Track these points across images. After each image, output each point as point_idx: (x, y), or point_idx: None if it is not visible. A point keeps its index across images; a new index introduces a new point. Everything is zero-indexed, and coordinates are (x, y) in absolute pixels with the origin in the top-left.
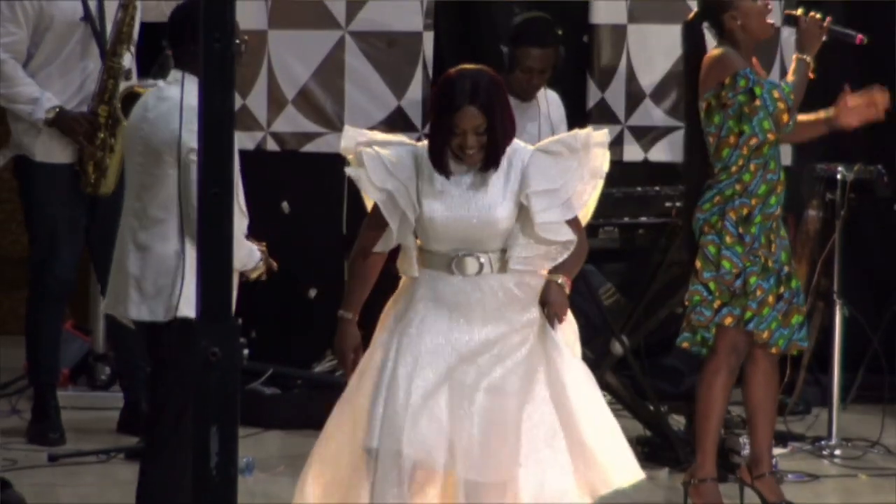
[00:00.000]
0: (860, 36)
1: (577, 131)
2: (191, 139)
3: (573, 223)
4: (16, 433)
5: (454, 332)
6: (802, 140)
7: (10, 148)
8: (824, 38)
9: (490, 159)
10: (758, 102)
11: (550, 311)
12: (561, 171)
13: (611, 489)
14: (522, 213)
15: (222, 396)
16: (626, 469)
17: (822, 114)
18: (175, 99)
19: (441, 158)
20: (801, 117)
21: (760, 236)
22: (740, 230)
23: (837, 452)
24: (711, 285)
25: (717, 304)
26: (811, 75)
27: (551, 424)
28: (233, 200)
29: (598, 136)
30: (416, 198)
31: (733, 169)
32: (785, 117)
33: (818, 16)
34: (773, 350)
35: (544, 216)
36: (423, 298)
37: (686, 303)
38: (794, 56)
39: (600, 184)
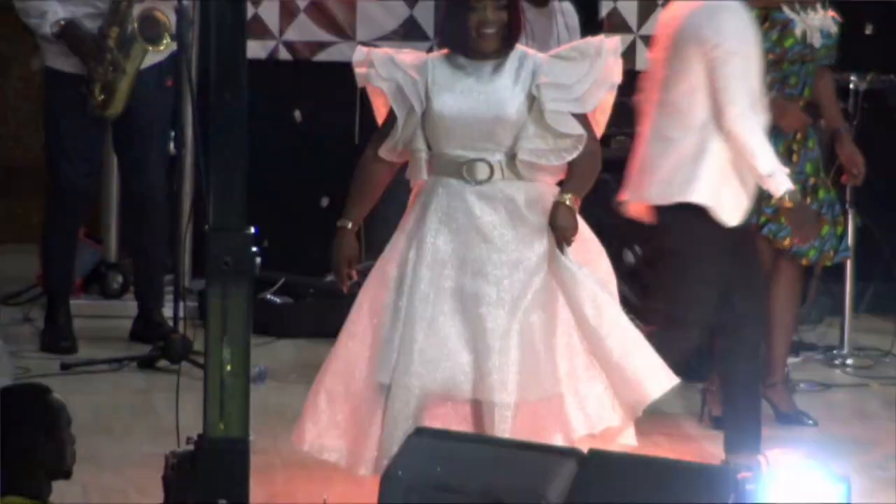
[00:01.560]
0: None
1: (589, 39)
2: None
3: (587, 133)
4: (28, 341)
5: (471, 251)
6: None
7: None
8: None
9: (509, 38)
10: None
11: (558, 235)
12: (573, 72)
13: (649, 402)
14: (534, 108)
15: (234, 305)
16: (659, 379)
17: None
18: None
19: (462, 36)
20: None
21: (777, 147)
22: None
23: (849, 362)
24: None
25: None
26: (830, 13)
27: (582, 351)
28: (245, 108)
29: (610, 44)
30: (423, 94)
31: None
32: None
33: (811, 121)
34: (804, 262)
35: (554, 105)
36: (436, 211)
37: None
38: (771, 97)
39: (612, 95)
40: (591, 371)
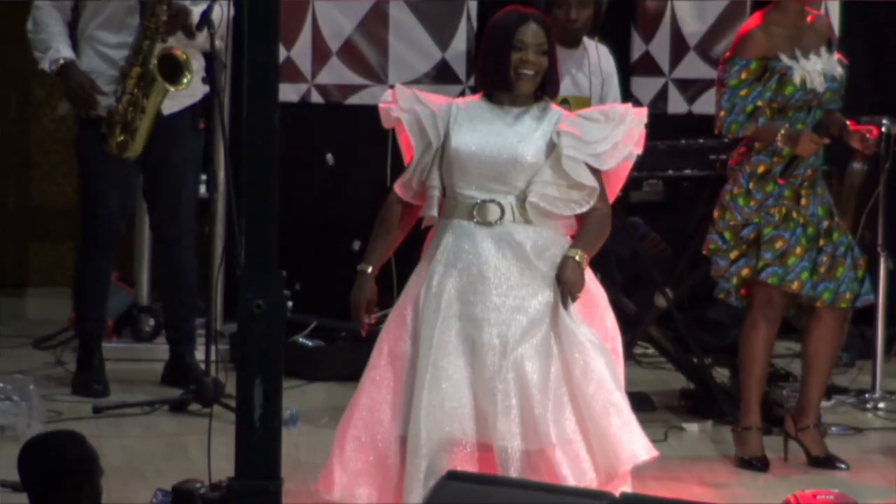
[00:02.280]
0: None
1: (618, 104)
2: None
3: (600, 192)
4: (60, 384)
5: (474, 292)
6: None
7: None
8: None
9: (545, 86)
10: (723, 89)
11: (564, 289)
12: (596, 131)
13: (622, 470)
14: (552, 155)
15: (266, 348)
16: (635, 448)
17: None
18: None
19: (500, 74)
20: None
21: (783, 191)
22: (751, 185)
23: (881, 405)
24: (727, 234)
25: (733, 254)
26: (835, 55)
27: (570, 408)
28: (277, 152)
29: (637, 113)
30: (443, 129)
31: None
32: (717, 124)
33: (826, 141)
34: (818, 304)
35: (572, 152)
36: (444, 252)
37: (704, 252)
38: (781, 133)
39: (628, 165)
40: (576, 429)
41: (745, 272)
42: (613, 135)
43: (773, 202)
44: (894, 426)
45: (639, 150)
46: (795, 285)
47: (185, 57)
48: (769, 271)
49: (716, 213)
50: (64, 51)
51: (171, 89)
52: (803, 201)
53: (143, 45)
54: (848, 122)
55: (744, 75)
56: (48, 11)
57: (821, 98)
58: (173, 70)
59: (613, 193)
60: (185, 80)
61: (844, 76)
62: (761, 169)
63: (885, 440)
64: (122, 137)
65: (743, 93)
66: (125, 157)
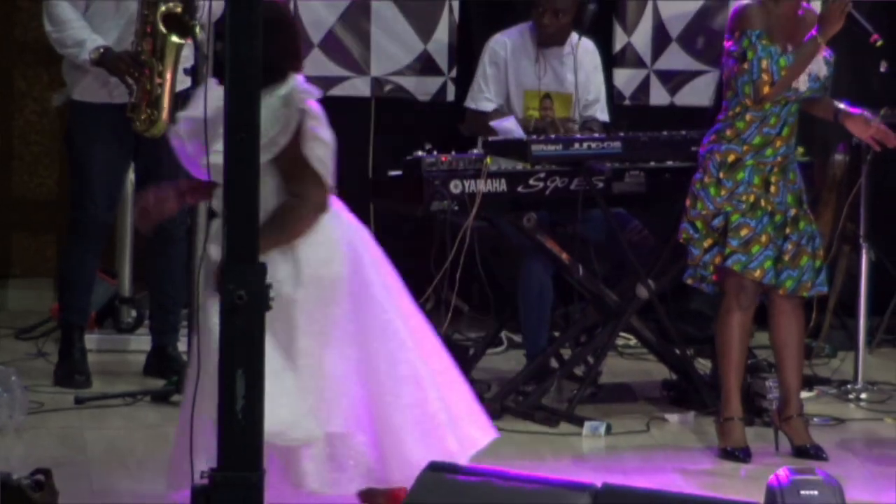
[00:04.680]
0: (876, 35)
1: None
2: None
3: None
4: (42, 376)
5: None
6: (813, 113)
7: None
8: (842, 23)
9: None
10: (746, 66)
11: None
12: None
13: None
14: None
15: (248, 339)
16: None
17: (841, 105)
18: None
19: None
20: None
21: (752, 178)
22: (721, 174)
23: (863, 396)
24: (698, 223)
25: (707, 242)
26: (822, 53)
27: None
28: (259, 145)
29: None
30: None
31: (731, 113)
32: (766, 89)
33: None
34: (780, 291)
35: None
36: None
37: (680, 240)
38: (814, 39)
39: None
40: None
41: (718, 260)
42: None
43: (744, 189)
44: (876, 417)
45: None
46: (758, 273)
47: (181, 8)
48: (734, 259)
49: (687, 202)
50: (98, 39)
51: (182, 42)
52: (772, 189)
53: (146, 17)
54: (844, 106)
55: (764, 41)
56: (64, 6)
57: (800, 96)
58: (177, 24)
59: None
60: (194, 30)
61: (829, 76)
62: (731, 158)
63: (866, 431)
64: (147, 112)
65: (763, 63)
66: (151, 135)
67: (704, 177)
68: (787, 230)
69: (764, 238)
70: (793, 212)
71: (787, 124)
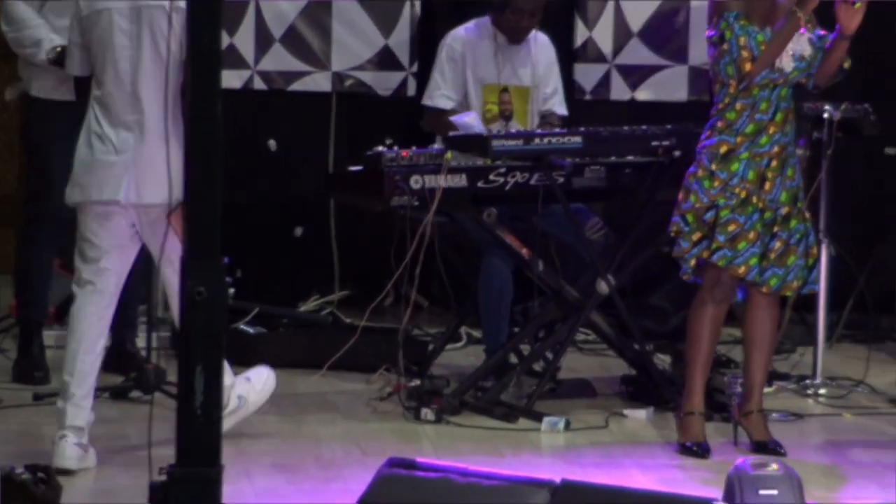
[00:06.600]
0: None
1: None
2: None
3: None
4: (1, 372)
5: None
6: (830, 74)
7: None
8: None
9: None
10: (725, 47)
11: None
12: None
13: None
14: None
15: (208, 335)
16: None
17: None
18: None
19: None
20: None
21: (747, 173)
22: (714, 166)
23: (822, 391)
24: (689, 216)
25: (696, 236)
26: (802, 30)
27: None
28: (220, 138)
29: None
30: None
31: (720, 105)
32: (747, 65)
33: None
34: (764, 289)
35: None
36: None
37: (671, 234)
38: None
39: None
40: None
41: (704, 254)
42: None
43: (738, 182)
44: (835, 412)
45: None
46: (742, 269)
47: None
48: (720, 254)
49: (680, 196)
50: (55, 38)
51: None
52: (767, 185)
53: None
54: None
55: (742, 21)
56: (21, 7)
57: (787, 77)
58: None
59: None
60: None
61: (814, 55)
62: (724, 149)
63: (825, 426)
64: None
65: (741, 40)
66: None
67: (698, 170)
68: (776, 228)
69: (752, 235)
70: (784, 210)
71: (780, 109)
